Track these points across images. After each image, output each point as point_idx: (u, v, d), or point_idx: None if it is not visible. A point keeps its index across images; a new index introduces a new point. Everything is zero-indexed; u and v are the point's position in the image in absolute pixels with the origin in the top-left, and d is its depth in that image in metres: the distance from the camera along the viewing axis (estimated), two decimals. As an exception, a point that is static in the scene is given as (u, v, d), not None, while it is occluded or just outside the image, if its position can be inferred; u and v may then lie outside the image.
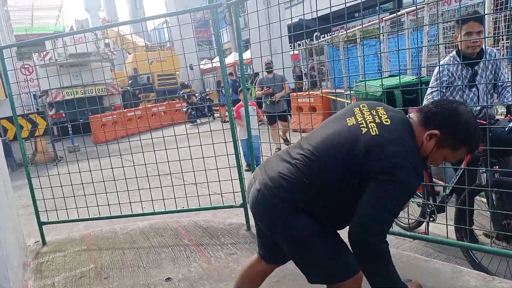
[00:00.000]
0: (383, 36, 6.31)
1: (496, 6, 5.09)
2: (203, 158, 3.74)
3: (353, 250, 1.50)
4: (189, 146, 3.70)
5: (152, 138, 3.85)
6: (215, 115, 14.70)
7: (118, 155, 4.02)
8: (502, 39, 5.33)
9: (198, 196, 3.92)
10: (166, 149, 3.74)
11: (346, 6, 2.72)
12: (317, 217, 1.57)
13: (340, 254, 1.60)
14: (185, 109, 13.24)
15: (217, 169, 3.73)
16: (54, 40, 12.14)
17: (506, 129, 2.55)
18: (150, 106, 13.98)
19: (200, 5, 36.01)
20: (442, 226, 2.79)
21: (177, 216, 4.31)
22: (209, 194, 4.00)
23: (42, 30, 25.50)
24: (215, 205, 4.26)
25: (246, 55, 7.59)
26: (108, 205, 4.02)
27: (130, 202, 4.06)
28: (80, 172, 3.99)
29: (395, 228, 2.99)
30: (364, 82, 4.50)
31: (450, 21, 5.12)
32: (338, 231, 1.67)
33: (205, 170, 3.75)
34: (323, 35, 14.07)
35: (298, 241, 1.60)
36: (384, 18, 6.07)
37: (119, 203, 4.07)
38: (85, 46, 10.94)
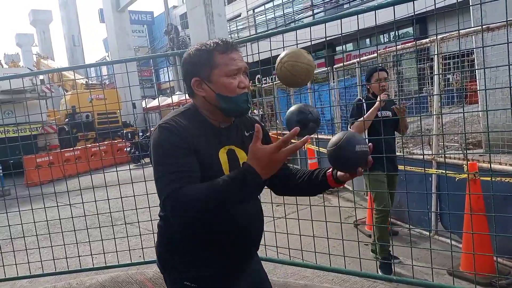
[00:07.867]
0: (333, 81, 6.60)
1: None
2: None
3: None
4: (147, 194, 3.49)
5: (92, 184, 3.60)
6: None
7: (67, 202, 3.71)
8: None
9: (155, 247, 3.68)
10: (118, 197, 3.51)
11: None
12: None
13: None
14: (129, 148, 12.78)
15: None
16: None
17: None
18: (90, 145, 13.30)
19: (140, 43, 35.77)
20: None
21: (133, 269, 3.96)
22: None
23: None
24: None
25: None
26: (54, 259, 3.67)
27: (79, 256, 3.72)
28: (19, 221, 3.61)
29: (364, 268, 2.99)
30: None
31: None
32: None
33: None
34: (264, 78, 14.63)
35: None
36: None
37: (66, 257, 3.73)
38: (20, 82, 10.28)
